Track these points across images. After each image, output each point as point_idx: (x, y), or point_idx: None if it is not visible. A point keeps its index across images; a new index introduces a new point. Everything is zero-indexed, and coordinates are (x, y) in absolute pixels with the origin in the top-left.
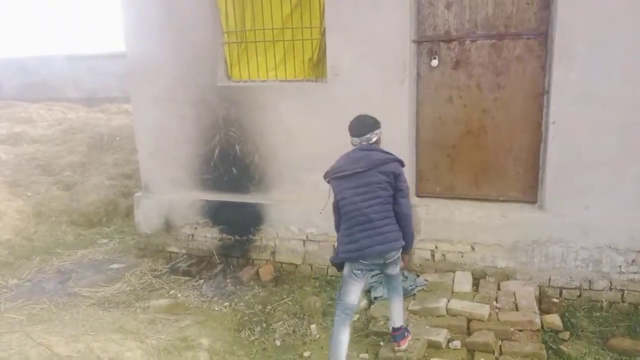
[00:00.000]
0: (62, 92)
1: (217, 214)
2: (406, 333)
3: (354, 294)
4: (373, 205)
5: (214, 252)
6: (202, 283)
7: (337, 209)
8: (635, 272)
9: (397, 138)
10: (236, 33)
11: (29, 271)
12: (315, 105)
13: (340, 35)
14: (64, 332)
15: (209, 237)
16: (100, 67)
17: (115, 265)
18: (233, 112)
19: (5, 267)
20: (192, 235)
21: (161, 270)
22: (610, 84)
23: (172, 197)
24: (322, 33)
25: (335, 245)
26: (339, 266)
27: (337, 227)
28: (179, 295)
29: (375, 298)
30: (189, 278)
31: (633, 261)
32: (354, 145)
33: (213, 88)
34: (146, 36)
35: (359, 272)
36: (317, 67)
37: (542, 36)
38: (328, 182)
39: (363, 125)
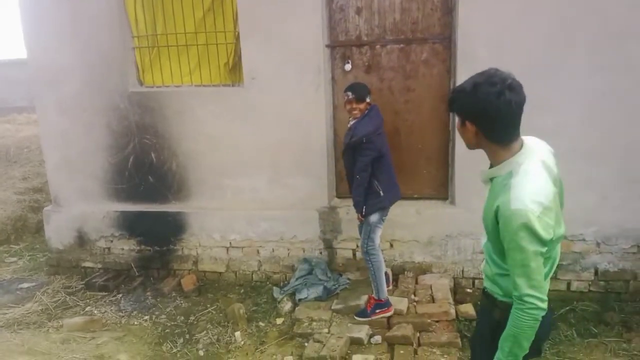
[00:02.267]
0: None
1: (134, 225)
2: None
3: (379, 237)
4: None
5: (133, 264)
6: (121, 297)
7: (373, 164)
8: None
9: (315, 141)
10: (147, 37)
11: None
12: (233, 110)
13: (255, 40)
14: None
15: (126, 249)
16: (6, 74)
17: (25, 285)
18: (147, 118)
19: None
20: (108, 248)
21: (76, 287)
22: None
23: (84, 209)
24: (237, 37)
25: (360, 203)
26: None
27: (365, 185)
28: (96, 311)
29: (300, 300)
30: (106, 293)
31: None
32: (371, 105)
33: (124, 94)
34: (48, 42)
35: (385, 217)
36: (234, 71)
37: (447, 41)
38: (366, 141)
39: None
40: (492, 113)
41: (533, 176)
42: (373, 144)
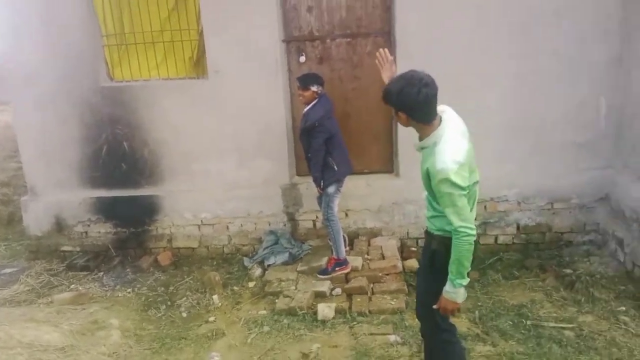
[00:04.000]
0: None
1: (109, 210)
2: None
3: (337, 206)
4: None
5: (110, 245)
6: (102, 275)
7: (327, 144)
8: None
9: (275, 126)
10: (115, 36)
11: None
12: (199, 100)
13: (217, 36)
14: None
15: (102, 232)
16: None
17: (7, 270)
18: (118, 110)
19: None
20: (86, 232)
21: (57, 269)
22: (438, 72)
23: (61, 197)
24: (200, 34)
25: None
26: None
27: (321, 162)
28: (81, 288)
29: (268, 266)
30: (88, 272)
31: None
32: (320, 93)
33: (96, 89)
34: (23, 42)
35: (341, 188)
36: (198, 65)
37: (387, 35)
38: (318, 125)
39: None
40: (415, 105)
41: (451, 143)
42: (324, 126)
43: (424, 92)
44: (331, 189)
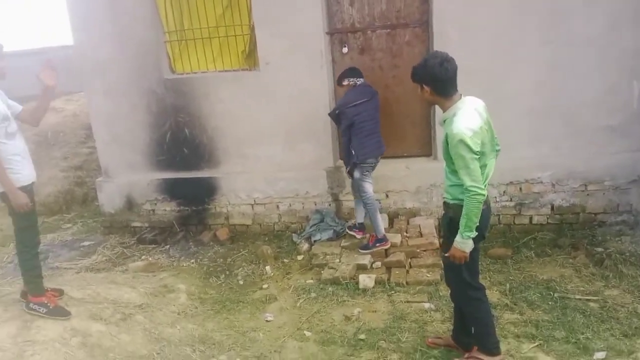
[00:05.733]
0: None
1: (174, 190)
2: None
3: (371, 187)
4: (378, 121)
5: (174, 222)
6: (168, 248)
7: (350, 130)
8: (506, 201)
9: (321, 112)
10: (176, 32)
11: (7, 255)
12: (250, 90)
13: (267, 30)
14: (72, 284)
15: (168, 210)
16: (15, 64)
17: (86, 243)
18: (180, 100)
19: None
20: (153, 210)
21: (129, 242)
22: (475, 59)
23: (131, 178)
24: (252, 29)
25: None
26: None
27: (346, 147)
28: (150, 259)
29: (315, 241)
30: (156, 245)
31: (504, 192)
32: (353, 84)
33: (160, 80)
34: (93, 36)
35: (367, 172)
36: (250, 57)
37: (425, 25)
38: (339, 113)
39: (360, 72)
40: (438, 75)
41: (467, 115)
42: (344, 114)
43: (445, 64)
44: (356, 174)
